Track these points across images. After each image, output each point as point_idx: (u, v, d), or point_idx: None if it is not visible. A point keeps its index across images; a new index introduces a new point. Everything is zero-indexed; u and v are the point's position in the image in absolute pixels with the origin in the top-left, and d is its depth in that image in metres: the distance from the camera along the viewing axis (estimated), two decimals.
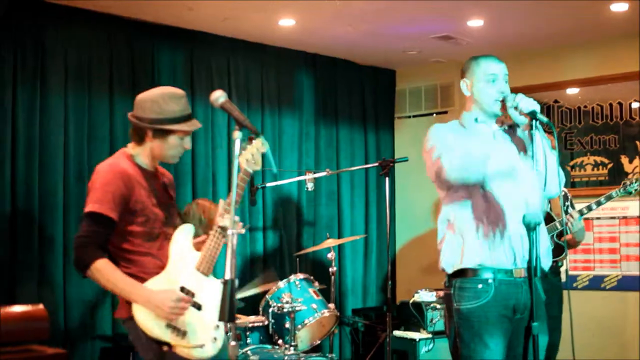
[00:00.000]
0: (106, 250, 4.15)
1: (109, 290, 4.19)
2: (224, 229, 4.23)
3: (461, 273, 4.27)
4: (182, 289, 4.17)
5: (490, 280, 4.22)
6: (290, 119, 8.39)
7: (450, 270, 4.32)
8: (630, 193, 6.19)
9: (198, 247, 4.38)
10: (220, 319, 3.30)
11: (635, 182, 6.16)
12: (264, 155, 4.17)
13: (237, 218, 3.54)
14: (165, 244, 4.31)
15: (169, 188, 4.54)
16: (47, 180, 6.48)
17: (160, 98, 4.29)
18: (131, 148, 4.37)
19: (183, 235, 4.37)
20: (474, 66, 4.41)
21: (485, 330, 4.20)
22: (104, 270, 4.06)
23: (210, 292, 4.24)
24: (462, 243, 4.27)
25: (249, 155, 4.11)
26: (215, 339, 4.20)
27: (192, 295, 4.18)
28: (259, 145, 4.16)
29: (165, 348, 4.14)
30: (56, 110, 6.58)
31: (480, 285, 4.22)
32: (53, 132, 6.56)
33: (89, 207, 4.12)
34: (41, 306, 2.80)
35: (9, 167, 6.31)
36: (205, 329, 4.20)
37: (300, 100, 8.51)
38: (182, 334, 4.12)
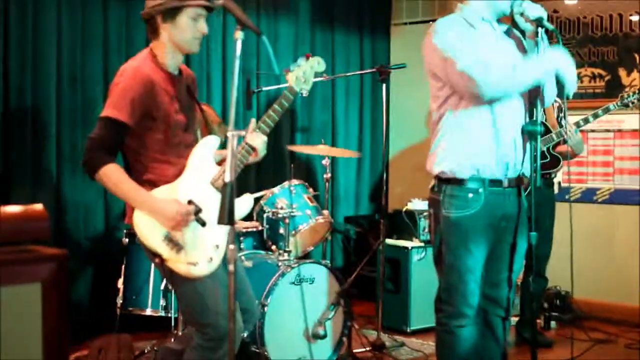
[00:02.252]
0: (116, 154, 4.09)
1: (117, 196, 4.12)
2: (252, 147, 4.20)
3: (452, 180, 4.26)
4: (190, 202, 4.10)
5: (480, 190, 4.22)
6: (286, 24, 8.29)
7: (439, 173, 4.29)
8: (627, 105, 6.17)
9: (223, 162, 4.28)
10: (220, 222, 3.25)
11: (633, 95, 6.13)
12: (317, 75, 4.11)
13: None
14: (185, 151, 4.24)
15: (192, 88, 4.44)
16: (40, 82, 6.40)
17: None
18: (153, 47, 4.24)
19: (206, 147, 4.29)
20: None
21: (472, 239, 4.23)
22: (112, 175, 4.00)
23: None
24: (455, 148, 4.25)
25: (301, 73, 4.12)
26: (211, 259, 4.12)
27: (199, 210, 4.10)
28: (314, 64, 4.19)
29: (157, 260, 4.12)
30: (49, 10, 6.46)
31: (470, 195, 4.22)
32: (46, 34, 6.44)
33: (106, 112, 4.04)
34: (40, 205, 2.79)
35: (2, 72, 6.21)
36: (204, 247, 4.12)
37: (296, 5, 8.40)
38: (178, 248, 4.07)
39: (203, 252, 4.11)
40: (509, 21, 4.38)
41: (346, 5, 8.91)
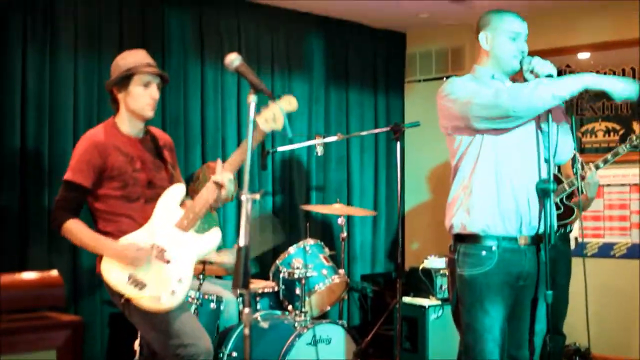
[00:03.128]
0: (78, 213, 4.56)
1: (81, 247, 4.59)
2: (217, 184, 4.47)
3: (466, 238, 4.26)
4: (152, 246, 4.48)
5: (494, 248, 4.20)
6: (301, 82, 8.33)
7: (454, 230, 4.30)
8: (636, 147, 6.12)
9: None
10: (235, 286, 3.28)
11: None
12: (289, 115, 4.16)
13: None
14: (146, 206, 4.61)
15: (164, 150, 4.80)
16: (57, 141, 6.44)
17: (118, 57, 4.69)
18: (115, 117, 4.71)
19: (170, 195, 4.65)
20: (496, 20, 4.31)
21: (487, 298, 4.20)
22: (73, 229, 4.49)
23: (185, 247, 4.50)
24: (469, 205, 4.24)
25: (270, 114, 4.18)
26: (173, 292, 4.40)
27: (162, 250, 4.47)
28: (284, 104, 4.25)
29: (122, 300, 4.43)
30: (66, 71, 6.53)
31: (484, 252, 4.21)
32: (63, 93, 6.51)
33: (66, 175, 4.55)
34: (56, 272, 2.81)
35: (19, 128, 6.26)
36: (166, 281, 4.42)
37: (310, 63, 8.44)
38: (142, 286, 4.41)
39: (166, 286, 4.40)
40: (520, 78, 4.39)
41: (360, 63, 8.94)
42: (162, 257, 4.46)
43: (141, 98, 4.60)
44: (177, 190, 4.67)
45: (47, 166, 6.37)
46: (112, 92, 4.67)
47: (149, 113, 4.65)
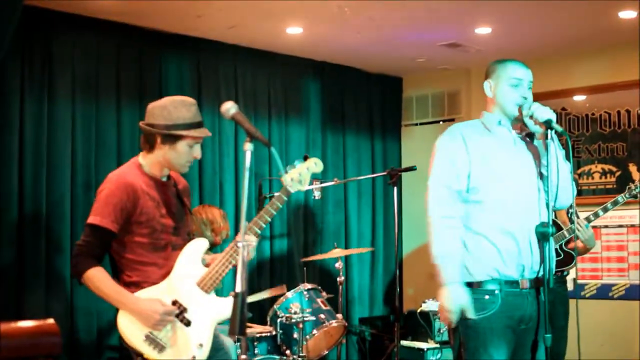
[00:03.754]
0: (101, 260, 4.26)
1: (101, 298, 4.26)
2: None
3: (467, 283, 4.24)
4: (174, 302, 4.24)
5: (497, 292, 4.19)
6: (298, 127, 8.37)
7: None
8: (635, 197, 6.15)
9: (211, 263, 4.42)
10: (231, 333, 3.28)
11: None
12: (313, 175, 4.21)
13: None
14: (173, 254, 4.37)
15: (184, 195, 4.58)
16: (54, 189, 6.47)
17: (170, 104, 4.34)
18: (141, 157, 4.43)
19: (193, 249, 4.42)
20: (499, 69, 4.38)
21: (491, 342, 4.18)
22: (95, 278, 4.18)
23: (206, 309, 4.30)
24: (470, 252, 4.25)
25: (296, 174, 4.27)
26: (194, 357, 4.20)
27: (184, 310, 4.25)
28: (312, 165, 4.34)
29: (138, 359, 4.20)
30: (64, 119, 6.57)
31: (487, 297, 4.20)
32: (61, 141, 6.54)
33: (91, 219, 4.25)
34: (52, 320, 2.80)
35: (17, 176, 6.29)
36: (187, 346, 4.22)
37: (307, 108, 8.49)
38: (160, 348, 4.18)
39: (186, 351, 4.20)
40: (519, 124, 4.43)
41: (357, 108, 8.99)
42: (184, 318, 4.23)
43: (185, 156, 4.37)
44: (200, 244, 4.45)
45: (44, 212, 6.39)
46: (150, 136, 4.36)
47: (186, 170, 4.47)
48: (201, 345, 4.24)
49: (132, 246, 4.30)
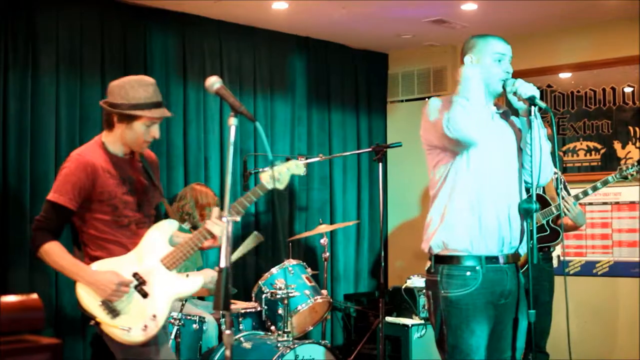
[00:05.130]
0: (59, 235, 4.37)
1: (59, 271, 4.42)
2: (210, 233, 4.44)
3: (447, 259, 4.25)
4: (135, 274, 4.37)
5: (477, 268, 4.21)
6: (283, 103, 8.35)
7: (436, 251, 4.29)
8: (626, 178, 6.17)
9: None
10: (215, 308, 3.30)
11: (632, 167, 6.14)
12: (294, 177, 4.25)
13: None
14: (137, 231, 4.49)
15: (152, 169, 4.66)
16: (38, 165, 6.45)
17: (128, 84, 4.42)
18: (104, 135, 4.51)
19: (161, 228, 4.54)
20: (481, 43, 4.35)
21: (473, 318, 4.20)
22: (51, 252, 4.31)
23: (165, 285, 4.41)
24: (449, 226, 4.25)
25: (276, 173, 4.40)
26: (146, 327, 4.32)
27: (143, 282, 4.38)
28: (293, 166, 4.48)
29: (91, 322, 4.35)
30: (48, 94, 6.54)
31: (468, 273, 4.21)
32: (44, 116, 6.52)
33: (50, 195, 4.36)
34: (35, 295, 2.81)
35: (0, 152, 6.27)
36: (140, 315, 4.34)
37: (292, 84, 8.47)
38: (114, 314, 4.31)
39: (138, 319, 4.32)
40: (503, 101, 4.42)
41: (342, 84, 8.97)
42: (142, 290, 4.36)
43: (142, 136, 4.42)
44: (170, 225, 4.56)
45: (28, 189, 6.37)
46: (109, 115, 4.44)
47: (144, 149, 4.55)
48: (155, 316, 4.34)
49: (94, 223, 4.41)
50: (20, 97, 6.37)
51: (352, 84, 9.10)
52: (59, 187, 4.34)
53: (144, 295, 4.35)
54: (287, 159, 4.50)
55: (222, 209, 3.51)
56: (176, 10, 7.37)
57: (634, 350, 7.54)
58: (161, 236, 4.50)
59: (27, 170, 6.37)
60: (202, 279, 4.58)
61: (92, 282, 4.29)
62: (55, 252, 4.32)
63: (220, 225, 4.40)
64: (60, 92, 6.62)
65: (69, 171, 4.34)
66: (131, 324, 4.29)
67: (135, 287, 4.36)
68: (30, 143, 6.41)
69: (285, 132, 8.32)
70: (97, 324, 4.32)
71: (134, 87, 4.40)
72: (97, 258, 4.39)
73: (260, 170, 4.43)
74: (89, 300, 4.31)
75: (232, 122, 3.48)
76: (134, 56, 7.09)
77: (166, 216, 5.00)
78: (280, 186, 4.45)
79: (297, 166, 4.50)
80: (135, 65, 6.99)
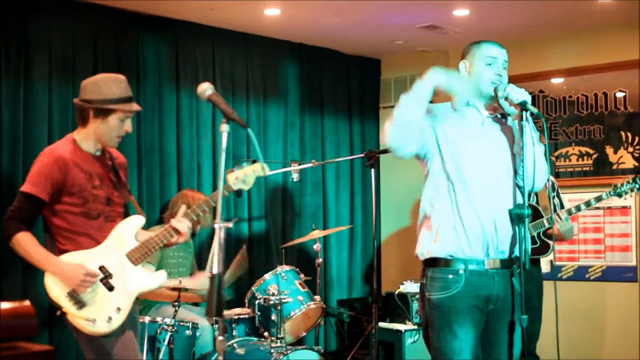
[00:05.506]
0: (31, 226, 4.53)
1: (29, 262, 4.54)
2: (176, 230, 4.62)
3: (433, 263, 4.29)
4: (101, 268, 4.51)
5: (460, 271, 4.23)
6: (276, 109, 8.36)
7: (422, 257, 4.34)
8: (620, 195, 6.21)
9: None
10: (208, 314, 3.33)
11: (626, 185, 6.17)
12: (263, 179, 4.31)
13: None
14: (106, 224, 4.64)
15: (120, 169, 4.83)
16: (31, 165, 6.42)
17: (101, 80, 4.61)
18: (76, 133, 4.68)
19: (129, 223, 4.69)
20: (474, 49, 4.41)
21: (455, 320, 4.22)
22: (23, 242, 4.45)
23: (130, 279, 4.56)
24: (435, 231, 4.28)
25: (242, 174, 4.54)
26: (110, 318, 4.46)
27: (109, 275, 4.52)
28: (258, 169, 4.58)
29: (58, 312, 4.49)
30: (40, 102, 6.54)
31: (450, 276, 4.24)
32: (37, 124, 6.52)
33: (23, 187, 4.53)
34: (28, 302, 2.81)
35: None
36: (105, 307, 4.48)
37: (285, 90, 8.48)
38: (80, 305, 4.44)
39: (103, 311, 4.46)
40: (492, 105, 4.44)
41: (335, 90, 8.99)
42: (107, 283, 4.50)
43: (115, 130, 4.61)
44: (137, 220, 4.72)
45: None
46: (83, 111, 4.62)
47: (115, 144, 4.73)
48: (119, 309, 4.48)
49: (64, 215, 4.55)
50: (13, 105, 6.38)
51: (345, 89, 9.12)
52: (32, 179, 4.50)
53: (110, 288, 4.49)
54: (253, 162, 4.62)
55: (214, 216, 3.53)
56: (169, 17, 7.38)
57: (626, 354, 7.56)
58: (128, 231, 4.65)
59: (19, 178, 6.34)
60: (164, 275, 4.73)
61: (59, 272, 4.43)
62: (26, 242, 4.45)
63: (185, 222, 4.61)
64: (53, 99, 6.63)
65: (41, 165, 4.51)
66: (96, 316, 4.44)
67: (101, 280, 4.49)
68: (23, 151, 6.40)
69: (278, 138, 8.33)
70: (64, 314, 4.46)
71: (107, 83, 4.59)
72: (66, 251, 4.53)
73: (227, 170, 4.50)
74: (57, 290, 4.44)
75: (224, 128, 3.53)
76: (127, 63, 7.10)
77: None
78: (245, 187, 4.60)
79: (262, 168, 4.61)
80: (128, 72, 6.96)
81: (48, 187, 4.47)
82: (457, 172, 4.26)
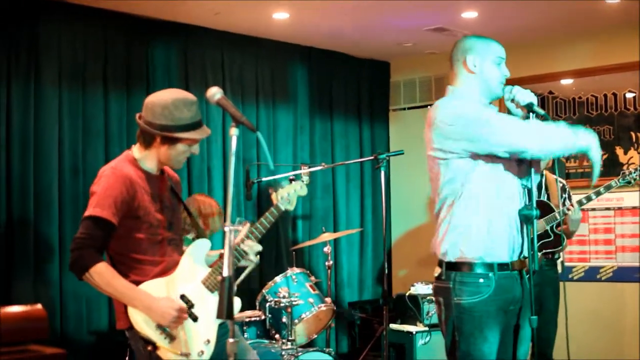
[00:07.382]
0: (103, 254, 4.11)
1: (108, 295, 4.15)
2: (244, 253, 4.35)
3: (460, 266, 4.20)
4: (182, 297, 4.16)
5: (490, 274, 4.17)
6: (285, 113, 8.38)
7: (445, 258, 4.22)
8: (629, 182, 6.17)
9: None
10: (219, 316, 3.27)
11: (635, 172, 6.15)
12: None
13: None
14: (168, 249, 4.29)
15: (176, 189, 4.51)
16: (42, 176, 6.48)
17: (172, 104, 4.19)
18: (136, 151, 4.30)
19: (197, 249, 4.37)
20: (482, 45, 4.30)
21: (486, 324, 4.16)
22: (105, 274, 4.04)
23: (211, 307, 4.19)
24: (461, 231, 4.20)
25: (285, 194, 4.47)
26: (202, 352, 4.17)
27: (192, 305, 4.16)
28: (298, 187, 4.51)
29: (149, 347, 4.12)
30: (51, 105, 6.58)
31: (481, 280, 4.16)
32: (48, 127, 6.55)
33: (90, 211, 4.07)
34: (39, 306, 2.81)
35: (4, 163, 6.32)
36: (196, 340, 4.17)
37: (294, 94, 8.50)
38: (171, 338, 4.12)
39: (194, 345, 4.16)
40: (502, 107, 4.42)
41: (344, 93, 9.01)
42: (192, 313, 4.14)
43: (183, 155, 4.29)
44: (205, 244, 4.40)
45: (32, 200, 6.40)
46: (148, 135, 4.22)
47: (180, 166, 4.40)
48: (208, 341, 4.20)
49: (129, 243, 4.17)
50: (23, 109, 6.42)
51: (354, 92, 9.13)
52: (100, 201, 4.06)
53: (194, 319, 4.16)
54: (291, 180, 4.52)
55: (225, 219, 3.49)
56: (178, 22, 7.41)
57: (638, 355, 7.54)
58: (198, 256, 4.35)
59: (30, 182, 6.39)
60: (240, 302, 4.37)
61: (150, 307, 4.08)
62: (108, 274, 4.06)
63: (256, 247, 4.39)
64: (63, 103, 6.66)
65: (108, 185, 4.09)
66: (188, 349, 4.15)
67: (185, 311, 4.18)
68: (34, 155, 6.44)
69: (288, 141, 8.35)
70: (155, 349, 4.12)
71: (179, 107, 4.20)
72: (133, 282, 4.13)
73: (270, 191, 4.44)
74: (145, 324, 4.09)
75: (233, 132, 3.47)
76: (137, 68, 7.13)
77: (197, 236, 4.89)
78: (290, 207, 4.52)
79: (301, 187, 4.56)
80: (137, 76, 7.04)
81: (118, 209, 4.06)
82: (483, 172, 4.17)
